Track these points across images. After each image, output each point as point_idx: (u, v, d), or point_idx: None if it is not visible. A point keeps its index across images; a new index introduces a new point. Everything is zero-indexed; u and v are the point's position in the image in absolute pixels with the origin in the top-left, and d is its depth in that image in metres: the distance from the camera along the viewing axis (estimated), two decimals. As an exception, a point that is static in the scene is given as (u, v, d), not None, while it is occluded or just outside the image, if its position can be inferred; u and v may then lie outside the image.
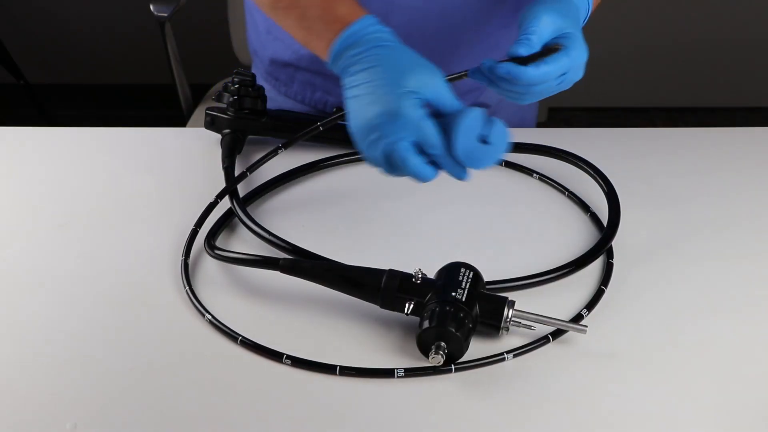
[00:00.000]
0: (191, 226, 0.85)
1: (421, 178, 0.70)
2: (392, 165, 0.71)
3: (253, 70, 1.20)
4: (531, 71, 0.74)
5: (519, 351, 0.71)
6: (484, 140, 0.70)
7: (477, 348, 0.71)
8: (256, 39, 1.15)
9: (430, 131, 0.69)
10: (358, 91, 0.73)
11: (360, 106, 0.72)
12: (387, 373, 0.69)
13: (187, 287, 0.77)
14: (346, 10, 0.78)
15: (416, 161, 0.69)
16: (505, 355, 0.70)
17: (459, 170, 0.71)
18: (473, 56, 1.02)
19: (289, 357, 0.70)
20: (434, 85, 0.71)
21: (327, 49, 0.77)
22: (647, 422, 0.66)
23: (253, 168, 0.92)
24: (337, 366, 0.69)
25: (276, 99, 1.15)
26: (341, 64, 0.76)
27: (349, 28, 0.76)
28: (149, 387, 0.69)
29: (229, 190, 0.89)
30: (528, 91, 0.76)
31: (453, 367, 0.69)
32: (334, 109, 1.03)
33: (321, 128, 0.89)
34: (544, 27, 0.76)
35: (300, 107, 1.13)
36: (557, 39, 0.77)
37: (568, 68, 0.76)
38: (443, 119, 0.71)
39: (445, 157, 0.70)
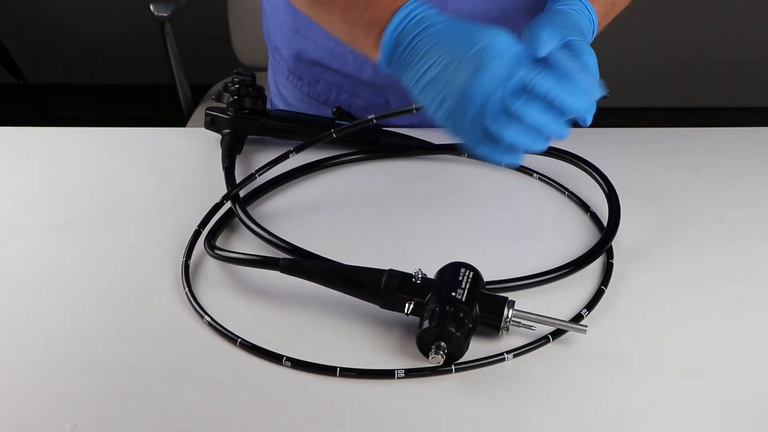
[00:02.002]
0: (191, 226, 0.84)
1: (553, 132, 0.66)
2: (513, 132, 0.65)
3: (271, 67, 1.20)
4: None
5: (519, 351, 0.71)
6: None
7: (477, 348, 0.71)
8: (280, 36, 1.12)
9: (528, 73, 0.64)
10: (428, 75, 0.69)
11: (435, 88, 0.69)
12: (387, 374, 0.69)
13: (186, 289, 0.77)
14: (384, 3, 0.73)
15: (535, 112, 0.64)
16: (505, 355, 0.70)
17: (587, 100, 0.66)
18: None
19: (289, 359, 0.70)
20: (509, 39, 0.67)
21: (376, 42, 0.74)
22: (647, 422, 0.66)
23: (262, 170, 0.90)
24: (337, 367, 0.69)
25: (294, 97, 1.14)
26: (397, 58, 0.72)
27: (399, 14, 0.72)
28: (149, 387, 0.69)
29: (236, 191, 0.88)
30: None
31: (453, 367, 0.69)
32: (334, 110, 1.03)
33: (335, 135, 0.88)
34: (547, 44, 0.72)
35: (320, 107, 1.11)
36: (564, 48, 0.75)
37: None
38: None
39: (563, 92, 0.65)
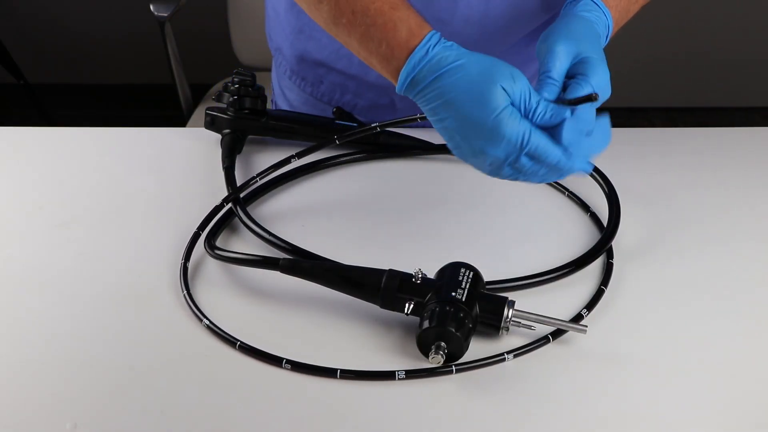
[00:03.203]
0: (191, 226, 0.84)
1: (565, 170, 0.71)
2: (523, 178, 0.72)
3: (275, 69, 1.20)
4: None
5: (519, 351, 0.71)
6: (589, 97, 0.70)
7: (477, 348, 0.71)
8: (283, 37, 1.12)
9: (538, 142, 0.69)
10: (447, 124, 0.72)
11: (456, 138, 0.72)
12: (388, 376, 0.69)
13: (185, 291, 0.77)
14: (407, 33, 0.74)
15: (533, 167, 0.70)
16: (506, 356, 0.70)
17: (584, 165, 0.72)
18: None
19: (289, 361, 0.70)
20: (520, 90, 0.70)
21: (393, 75, 0.75)
22: (647, 422, 0.66)
23: (263, 174, 0.90)
24: (337, 369, 0.69)
25: (299, 100, 1.14)
26: (414, 94, 0.74)
27: (414, 56, 0.73)
28: (149, 387, 0.69)
29: (236, 195, 0.88)
30: None
31: (454, 367, 0.69)
32: (334, 110, 1.03)
33: (338, 142, 0.88)
34: (561, 60, 0.74)
35: (325, 109, 1.10)
36: (576, 66, 0.75)
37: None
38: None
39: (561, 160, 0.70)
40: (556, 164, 0.70)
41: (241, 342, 0.71)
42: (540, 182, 0.74)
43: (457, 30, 0.97)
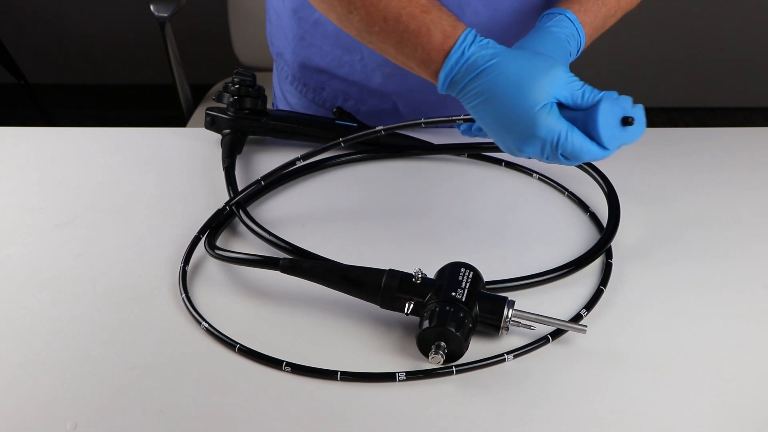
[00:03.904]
0: (191, 226, 0.84)
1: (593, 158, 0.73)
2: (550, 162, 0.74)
3: (276, 74, 1.20)
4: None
5: (519, 351, 0.71)
6: (624, 121, 0.71)
7: (477, 348, 0.71)
8: (284, 43, 1.11)
9: (574, 142, 0.71)
10: (486, 123, 0.74)
11: (497, 135, 0.74)
12: (388, 377, 0.69)
13: (183, 295, 0.77)
14: (441, 35, 0.74)
15: (573, 162, 0.73)
16: (506, 356, 0.70)
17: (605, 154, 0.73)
18: None
19: (288, 364, 0.70)
20: (558, 86, 0.71)
21: (434, 77, 0.76)
22: (647, 422, 0.66)
23: (268, 177, 0.89)
24: (337, 371, 0.69)
25: (301, 105, 1.14)
26: (455, 92, 0.75)
27: (450, 58, 0.74)
28: (149, 388, 0.69)
29: (238, 198, 0.87)
30: None
31: (454, 368, 0.69)
32: (334, 110, 1.03)
33: (342, 144, 0.88)
34: None
35: (326, 113, 1.10)
36: None
37: None
38: (577, 112, 0.72)
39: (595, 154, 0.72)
40: (593, 159, 0.72)
41: (241, 345, 0.71)
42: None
43: None
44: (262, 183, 0.89)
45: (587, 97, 0.71)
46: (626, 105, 0.72)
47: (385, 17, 0.76)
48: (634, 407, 0.67)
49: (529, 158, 0.75)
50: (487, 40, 0.74)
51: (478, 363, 0.70)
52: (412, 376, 0.69)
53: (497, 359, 0.70)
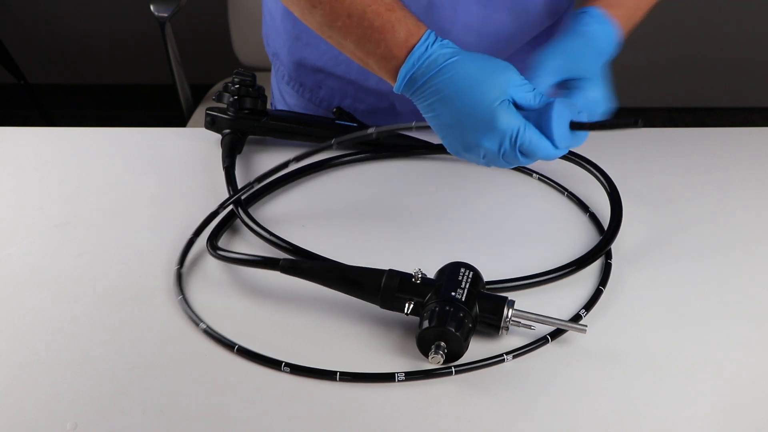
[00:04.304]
0: (191, 226, 0.84)
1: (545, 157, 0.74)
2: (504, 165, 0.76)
3: (273, 72, 1.19)
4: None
5: (518, 352, 0.71)
6: (572, 125, 0.74)
7: (476, 348, 0.71)
8: (280, 43, 1.11)
9: (531, 136, 0.72)
10: (444, 120, 0.74)
11: (451, 133, 0.75)
12: (387, 378, 0.68)
13: (180, 296, 0.77)
14: (405, 33, 0.76)
15: (525, 160, 0.74)
16: (505, 357, 0.70)
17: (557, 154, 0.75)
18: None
19: (288, 364, 0.69)
20: (513, 86, 0.73)
21: (391, 75, 0.77)
22: (647, 422, 0.66)
23: (262, 178, 0.89)
24: (336, 372, 0.69)
25: (299, 106, 1.13)
26: (411, 92, 0.76)
27: (413, 53, 0.75)
28: (149, 388, 0.69)
29: (235, 198, 0.87)
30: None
31: (453, 369, 0.69)
32: (334, 110, 1.03)
33: (334, 146, 0.88)
34: (549, 76, 0.79)
35: (323, 113, 1.10)
36: (570, 83, 0.80)
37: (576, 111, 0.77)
38: (530, 112, 0.74)
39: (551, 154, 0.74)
40: (545, 157, 0.74)
41: (239, 345, 0.71)
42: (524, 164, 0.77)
43: (458, 38, 0.97)
44: (255, 185, 0.89)
45: (538, 100, 0.74)
46: (574, 110, 0.75)
47: (350, 13, 0.77)
48: (634, 407, 0.67)
49: (481, 158, 0.75)
50: (447, 40, 0.76)
51: (477, 363, 0.70)
52: (412, 376, 0.69)
53: (496, 359, 0.70)
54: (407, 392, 0.68)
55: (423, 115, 0.77)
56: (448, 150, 0.77)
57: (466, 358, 0.70)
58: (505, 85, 0.72)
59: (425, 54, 0.74)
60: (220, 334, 0.73)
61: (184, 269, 0.81)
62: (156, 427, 0.65)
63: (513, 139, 0.72)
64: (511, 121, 0.72)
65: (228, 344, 0.72)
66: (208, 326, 0.73)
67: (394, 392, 0.68)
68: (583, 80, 0.80)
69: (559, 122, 0.73)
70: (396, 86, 0.76)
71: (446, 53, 0.74)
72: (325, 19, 0.80)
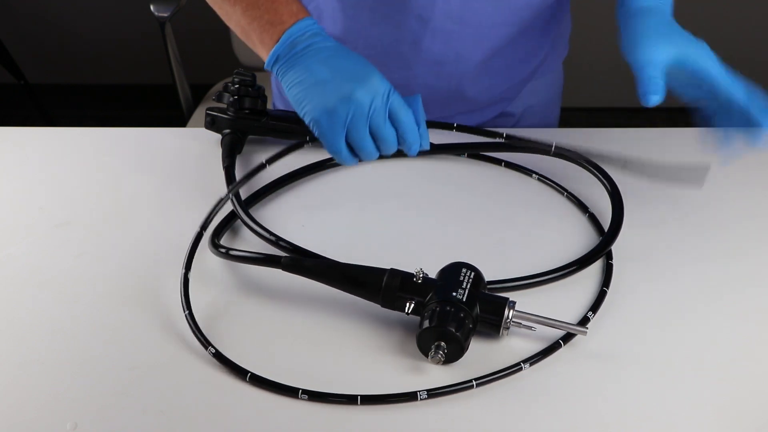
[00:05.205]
0: (191, 226, 0.84)
1: (347, 164, 0.81)
2: (369, 143, 0.79)
3: (274, 81, 1.20)
4: None
5: (534, 359, 0.70)
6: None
7: (485, 354, 0.71)
8: None
9: (400, 100, 0.77)
10: (319, 76, 0.77)
11: (322, 90, 0.77)
12: (409, 397, 0.67)
13: (186, 311, 0.74)
14: (296, 8, 0.82)
15: (388, 131, 0.78)
16: (522, 365, 0.70)
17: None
18: (493, 73, 1.05)
19: (305, 392, 0.67)
20: (374, 88, 0.76)
21: (274, 38, 0.81)
22: (648, 422, 0.66)
23: (272, 160, 0.92)
24: (357, 396, 0.67)
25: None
26: (287, 57, 0.80)
27: (301, 22, 0.80)
28: (149, 388, 0.69)
29: (243, 183, 0.89)
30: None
31: (474, 383, 0.68)
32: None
33: (310, 144, 0.91)
34: (657, 61, 0.83)
35: None
36: (680, 65, 0.83)
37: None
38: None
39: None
40: (408, 129, 0.78)
41: (252, 372, 0.68)
42: (372, 157, 0.80)
43: (439, 26, 0.98)
44: (267, 166, 0.92)
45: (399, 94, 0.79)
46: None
47: None
48: (640, 408, 0.67)
49: (346, 120, 0.76)
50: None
51: (497, 374, 0.69)
52: (434, 393, 0.67)
53: (514, 369, 0.69)
54: (431, 411, 0.67)
55: (288, 84, 0.79)
56: (305, 118, 0.79)
57: (484, 370, 0.69)
58: (363, 85, 0.76)
59: (313, 26, 0.80)
60: (231, 360, 0.70)
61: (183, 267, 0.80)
62: (156, 427, 0.65)
63: (385, 97, 0.76)
64: (385, 81, 0.77)
65: (240, 371, 0.69)
66: (216, 350, 0.70)
67: (418, 412, 0.67)
68: (694, 61, 0.82)
69: (418, 109, 0.79)
70: (272, 52, 0.80)
71: (323, 38, 0.80)
72: None
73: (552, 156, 0.91)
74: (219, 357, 0.70)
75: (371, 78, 0.76)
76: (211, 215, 0.84)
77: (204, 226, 0.83)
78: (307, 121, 0.79)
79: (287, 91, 0.80)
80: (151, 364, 0.71)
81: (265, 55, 0.83)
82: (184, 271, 0.78)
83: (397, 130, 0.79)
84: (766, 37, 2.63)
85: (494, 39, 1.01)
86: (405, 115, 0.78)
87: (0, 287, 0.80)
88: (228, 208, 0.88)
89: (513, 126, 1.16)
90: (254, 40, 0.84)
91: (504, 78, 0.86)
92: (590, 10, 1.99)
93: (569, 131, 1.08)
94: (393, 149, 0.80)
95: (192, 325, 0.73)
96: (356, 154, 0.80)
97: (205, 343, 0.71)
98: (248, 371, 0.69)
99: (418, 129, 0.80)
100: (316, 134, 0.79)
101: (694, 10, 2.55)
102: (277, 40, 0.80)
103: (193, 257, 0.80)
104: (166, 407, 0.67)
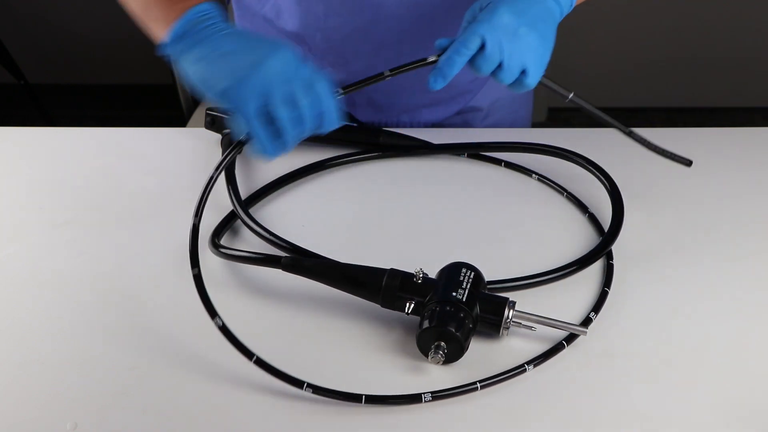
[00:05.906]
0: (191, 226, 0.84)
1: (266, 151, 0.74)
2: (287, 115, 0.73)
3: None
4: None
5: (538, 361, 0.70)
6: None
7: (487, 354, 0.71)
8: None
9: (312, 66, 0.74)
10: (230, 47, 0.75)
11: (232, 60, 0.74)
12: (414, 399, 0.67)
13: (220, 321, 0.70)
14: None
15: (263, 134, 0.72)
16: (526, 366, 0.69)
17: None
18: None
19: (310, 385, 0.66)
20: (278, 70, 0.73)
21: (171, 20, 0.79)
22: (650, 423, 0.66)
23: (209, 186, 0.88)
24: (362, 395, 0.66)
25: None
26: (201, 28, 0.77)
27: (199, 7, 0.78)
28: (150, 387, 0.69)
29: (229, 156, 0.82)
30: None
31: (479, 385, 0.68)
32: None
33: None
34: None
35: None
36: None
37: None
38: None
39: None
40: (323, 94, 0.73)
41: (258, 356, 0.68)
42: (294, 134, 0.74)
43: (392, 12, 0.97)
44: (205, 198, 0.86)
45: None
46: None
47: None
48: (643, 408, 0.66)
49: (259, 92, 0.72)
50: None
51: (501, 376, 0.69)
52: (438, 395, 0.67)
53: (518, 370, 0.69)
54: (435, 412, 0.67)
55: (190, 61, 0.76)
56: (211, 94, 0.75)
57: (485, 370, 0.69)
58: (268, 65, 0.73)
59: (217, 10, 0.78)
60: (242, 343, 0.69)
61: (184, 269, 0.79)
62: (156, 427, 0.65)
63: (298, 64, 0.73)
64: (297, 50, 0.74)
65: (246, 352, 0.68)
66: (223, 323, 0.69)
67: (422, 413, 0.66)
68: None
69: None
70: (180, 22, 0.77)
71: (221, 22, 0.78)
72: None
73: (567, 103, 0.88)
74: (224, 330, 0.68)
75: (282, 47, 0.73)
76: (203, 200, 0.78)
77: (197, 213, 0.79)
78: (214, 96, 0.74)
79: (188, 70, 0.76)
80: (151, 364, 0.71)
81: (164, 33, 0.79)
82: (195, 271, 0.73)
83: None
84: (766, 37, 2.63)
85: (453, 24, 1.00)
86: (319, 83, 0.73)
87: (0, 287, 0.80)
88: (228, 207, 0.88)
89: (483, 120, 1.16)
90: (156, 18, 0.81)
91: (464, 68, 0.85)
92: (590, 10, 2.00)
93: (568, 131, 1.08)
94: (309, 122, 0.73)
95: (226, 333, 0.69)
96: (271, 134, 0.74)
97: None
98: (254, 353, 0.67)
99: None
100: (225, 108, 0.75)
101: (694, 10, 2.56)
102: (177, 18, 0.77)
103: (197, 253, 0.76)
104: (166, 407, 0.67)
